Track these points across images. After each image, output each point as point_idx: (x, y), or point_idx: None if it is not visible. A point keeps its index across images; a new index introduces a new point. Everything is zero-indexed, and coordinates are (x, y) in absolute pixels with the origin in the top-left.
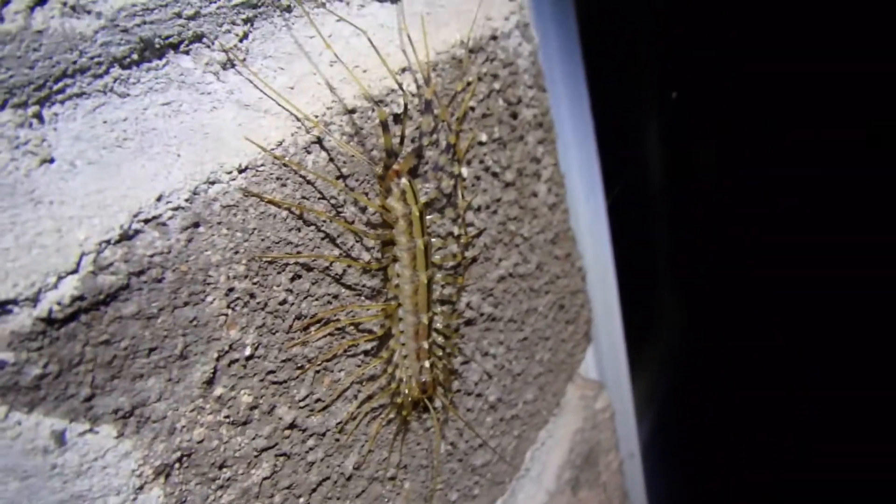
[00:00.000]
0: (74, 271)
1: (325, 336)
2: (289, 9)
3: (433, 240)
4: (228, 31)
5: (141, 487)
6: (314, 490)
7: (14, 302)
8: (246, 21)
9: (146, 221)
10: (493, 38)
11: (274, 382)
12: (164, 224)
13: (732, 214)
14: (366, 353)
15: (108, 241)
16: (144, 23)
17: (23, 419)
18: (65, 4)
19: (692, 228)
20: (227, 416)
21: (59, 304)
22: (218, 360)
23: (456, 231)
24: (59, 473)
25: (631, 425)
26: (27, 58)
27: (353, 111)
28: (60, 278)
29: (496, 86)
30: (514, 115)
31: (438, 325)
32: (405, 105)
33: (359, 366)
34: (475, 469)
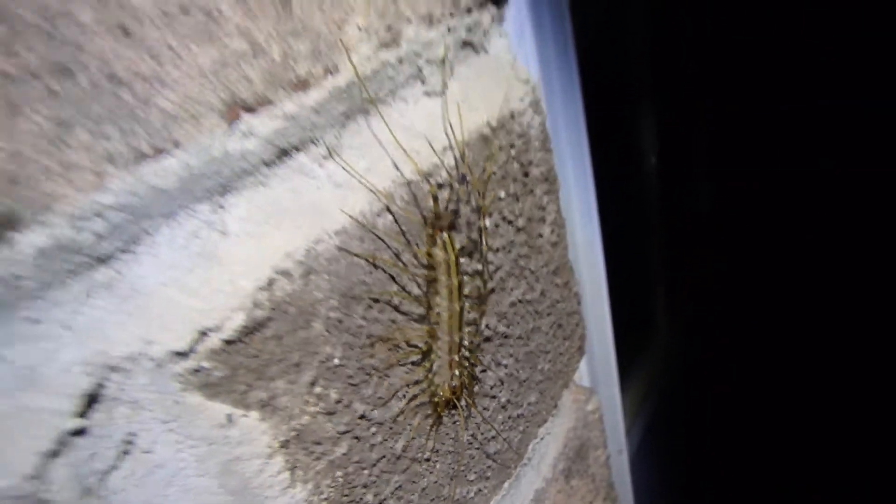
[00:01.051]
0: (242, 309)
1: (386, 351)
2: (367, 111)
3: (464, 278)
4: (330, 133)
5: (271, 455)
6: (374, 465)
7: (212, 330)
8: (341, 125)
9: (280, 273)
10: (512, 116)
11: (352, 385)
12: (290, 274)
13: (722, 234)
14: (413, 363)
15: (259, 288)
16: (283, 137)
17: (210, 405)
18: (243, 133)
19: (682, 258)
20: (323, 408)
21: (234, 330)
22: (318, 367)
23: (480, 268)
24: (228, 442)
25: (619, 426)
26: (221, 171)
27: (409, 183)
28: (235, 313)
29: (512, 153)
30: (526, 174)
31: (465, 343)
32: (449, 177)
33: (407, 373)
34: (489, 455)
